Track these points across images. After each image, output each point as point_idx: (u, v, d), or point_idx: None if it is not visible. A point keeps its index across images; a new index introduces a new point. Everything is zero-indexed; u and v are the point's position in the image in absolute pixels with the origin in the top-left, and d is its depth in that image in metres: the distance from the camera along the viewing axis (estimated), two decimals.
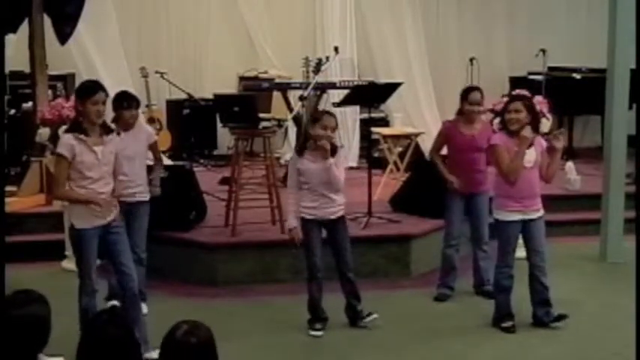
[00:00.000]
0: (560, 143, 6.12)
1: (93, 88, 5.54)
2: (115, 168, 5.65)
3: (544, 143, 6.18)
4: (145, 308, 6.57)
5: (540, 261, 6.21)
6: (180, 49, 12.04)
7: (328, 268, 6.30)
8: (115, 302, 6.14)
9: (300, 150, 6.19)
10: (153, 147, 6.65)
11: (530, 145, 6.03)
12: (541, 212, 6.17)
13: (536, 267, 6.22)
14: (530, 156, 6.03)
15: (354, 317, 6.37)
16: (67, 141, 5.43)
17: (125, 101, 6.35)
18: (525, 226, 6.12)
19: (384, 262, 7.56)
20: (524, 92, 7.72)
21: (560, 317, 6.27)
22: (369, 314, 6.35)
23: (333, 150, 6.10)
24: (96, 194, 5.45)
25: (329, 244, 6.30)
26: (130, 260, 5.74)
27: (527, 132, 5.97)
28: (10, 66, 10.44)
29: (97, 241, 5.54)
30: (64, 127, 7.55)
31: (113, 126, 5.88)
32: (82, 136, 5.42)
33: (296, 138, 9.94)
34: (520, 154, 5.97)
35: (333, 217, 6.20)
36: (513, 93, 8.17)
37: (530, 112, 6.05)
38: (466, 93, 6.87)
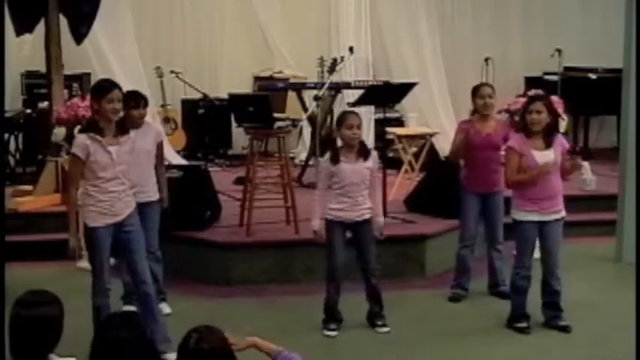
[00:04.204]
0: (578, 168, 6.37)
1: (108, 86, 5.58)
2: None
3: (565, 143, 6.16)
4: (167, 308, 6.58)
5: (552, 265, 6.16)
6: (196, 49, 12.06)
7: (346, 268, 6.29)
8: (132, 308, 6.16)
9: (334, 157, 6.10)
10: (159, 146, 6.54)
11: (550, 144, 6.01)
12: (560, 214, 6.11)
13: (548, 270, 6.18)
14: (549, 158, 6.00)
15: (372, 321, 6.37)
16: (82, 141, 5.46)
17: (133, 100, 6.34)
18: (542, 227, 6.09)
19: (399, 262, 7.54)
20: (540, 92, 7.69)
21: (566, 328, 6.21)
22: (384, 325, 6.32)
23: (366, 151, 6.13)
24: (108, 192, 5.47)
25: (354, 246, 6.29)
26: (142, 260, 5.74)
27: (547, 165, 5.96)
28: (26, 66, 10.55)
29: (110, 240, 5.56)
30: (78, 127, 7.64)
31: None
32: (96, 136, 5.44)
33: (311, 138, 9.93)
34: (530, 176, 5.96)
35: (359, 219, 6.17)
36: (530, 93, 8.13)
37: (550, 112, 6.05)
38: (476, 89, 6.88)
